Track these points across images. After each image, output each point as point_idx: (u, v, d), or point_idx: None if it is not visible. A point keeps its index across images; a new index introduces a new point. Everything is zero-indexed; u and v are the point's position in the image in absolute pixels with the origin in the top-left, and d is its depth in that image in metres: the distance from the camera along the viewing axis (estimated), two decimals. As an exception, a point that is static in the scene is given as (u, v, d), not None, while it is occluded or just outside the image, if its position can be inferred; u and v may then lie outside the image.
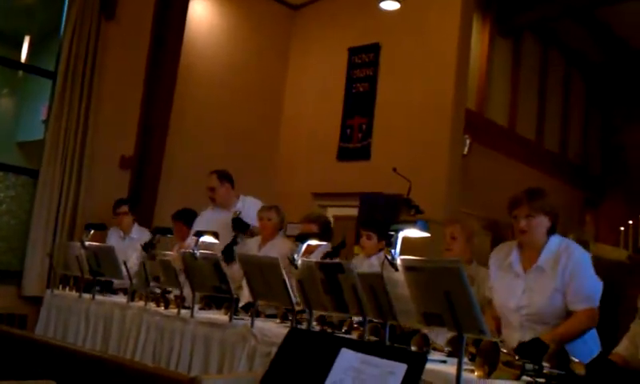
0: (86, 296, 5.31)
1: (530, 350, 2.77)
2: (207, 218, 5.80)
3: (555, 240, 3.40)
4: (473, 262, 4.19)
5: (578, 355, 2.79)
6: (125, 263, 5.10)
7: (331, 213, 8.36)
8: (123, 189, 7.37)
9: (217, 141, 8.25)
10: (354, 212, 7.46)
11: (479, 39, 8.61)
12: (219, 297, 4.47)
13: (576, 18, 9.58)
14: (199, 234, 4.54)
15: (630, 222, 9.57)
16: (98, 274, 5.36)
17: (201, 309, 4.63)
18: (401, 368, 1.82)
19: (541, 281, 3.35)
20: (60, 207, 6.89)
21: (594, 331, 3.41)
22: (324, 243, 4.67)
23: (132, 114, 7.61)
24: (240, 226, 5.38)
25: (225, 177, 5.85)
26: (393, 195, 6.74)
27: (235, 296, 4.19)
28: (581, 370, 2.69)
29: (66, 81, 6.95)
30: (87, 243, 5.42)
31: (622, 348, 3.08)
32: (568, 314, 3.29)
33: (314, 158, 8.59)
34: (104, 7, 7.23)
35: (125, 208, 6.46)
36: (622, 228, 9.70)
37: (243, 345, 3.82)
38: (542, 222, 3.37)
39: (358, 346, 1.92)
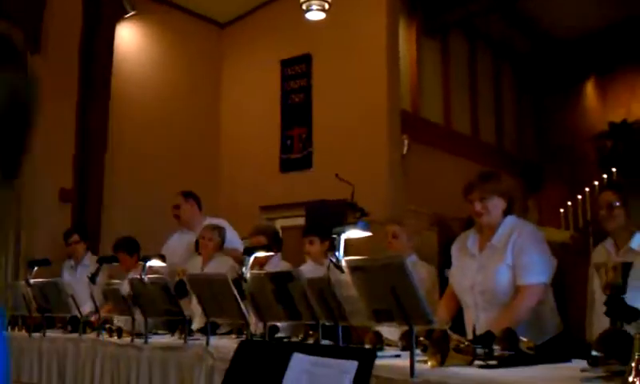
0: (36, 334, 5.21)
1: (484, 341, 2.82)
2: (174, 242, 5.95)
3: (510, 220, 3.45)
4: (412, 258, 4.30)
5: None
6: (72, 296, 5.01)
7: (279, 224, 8.38)
8: (66, 222, 7.25)
9: (157, 164, 8.19)
10: (301, 221, 7.51)
11: (407, 41, 8.78)
12: (172, 321, 4.44)
13: (500, 12, 9.87)
14: (145, 258, 4.51)
15: (569, 203, 9.85)
16: (47, 311, 5.26)
17: (154, 333, 4.60)
18: (352, 365, 1.86)
19: (493, 258, 3.40)
20: (2, 247, 6.73)
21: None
22: (272, 254, 4.69)
23: (67, 146, 7.50)
24: (181, 292, 4.87)
25: (190, 195, 5.98)
26: (338, 201, 6.81)
27: (188, 317, 4.18)
28: (530, 348, 2.79)
29: (-4, 118, 6.80)
30: (32, 281, 5.31)
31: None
32: (517, 290, 3.32)
33: (257, 171, 8.61)
34: (28, 42, 7.11)
35: (76, 237, 6.39)
36: (562, 210, 9.99)
37: (200, 364, 3.80)
38: (497, 204, 3.42)
39: (309, 349, 1.96)
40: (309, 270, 4.74)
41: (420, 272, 4.20)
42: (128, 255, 5.93)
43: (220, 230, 5.41)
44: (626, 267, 2.29)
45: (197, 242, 5.62)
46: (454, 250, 3.68)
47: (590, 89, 11.77)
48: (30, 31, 7.18)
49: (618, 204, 3.24)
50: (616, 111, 11.24)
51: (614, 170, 9.62)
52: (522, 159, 11.56)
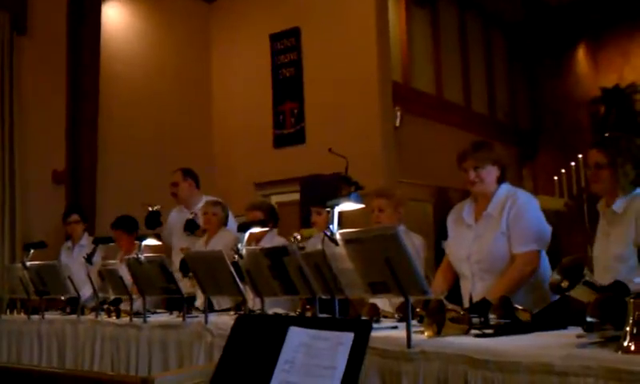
0: (35, 317, 5.23)
1: (480, 309, 2.84)
2: (172, 219, 5.98)
3: (504, 188, 3.48)
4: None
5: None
6: (70, 278, 5.02)
7: (274, 200, 8.38)
8: (60, 204, 7.23)
9: (150, 143, 8.14)
10: (296, 197, 7.51)
11: (396, 12, 8.71)
12: (172, 300, 4.46)
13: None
14: (141, 237, 4.51)
15: (563, 170, 9.86)
16: (44, 293, 5.27)
17: (153, 313, 4.62)
18: (348, 337, 1.87)
19: (489, 227, 3.42)
20: (-3, 230, 6.74)
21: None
22: (268, 229, 4.68)
23: (58, 127, 7.45)
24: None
25: (189, 173, 5.97)
26: (332, 175, 6.80)
27: (186, 295, 4.20)
28: (526, 316, 2.81)
29: (-16, 100, 6.79)
30: (28, 263, 5.30)
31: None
32: (513, 258, 3.35)
33: (250, 148, 8.59)
34: (14, 23, 7.06)
35: (76, 216, 6.37)
36: (556, 177, 10.00)
37: (200, 342, 3.83)
38: (491, 172, 3.45)
39: (306, 323, 1.97)
40: (317, 241, 4.77)
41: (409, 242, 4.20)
42: (126, 233, 5.93)
43: (222, 205, 5.43)
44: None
45: (187, 222, 5.62)
46: (450, 220, 3.69)
47: (581, 55, 11.73)
48: (16, 12, 7.12)
49: (603, 165, 3.08)
50: (608, 76, 11.21)
51: (607, 135, 9.60)
52: (515, 127, 11.55)
